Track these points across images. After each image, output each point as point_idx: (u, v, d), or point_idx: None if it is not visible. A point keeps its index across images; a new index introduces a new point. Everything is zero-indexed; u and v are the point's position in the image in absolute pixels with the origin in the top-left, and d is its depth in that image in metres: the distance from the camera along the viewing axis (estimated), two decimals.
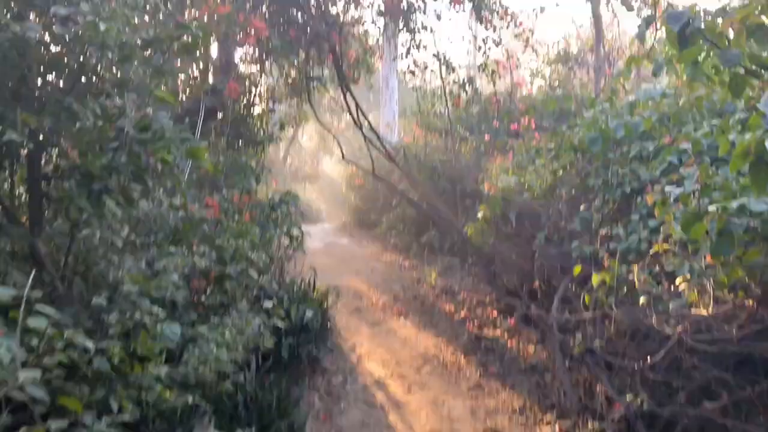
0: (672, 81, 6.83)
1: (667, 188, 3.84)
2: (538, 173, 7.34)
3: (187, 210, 4.23)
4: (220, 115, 9.13)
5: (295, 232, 7.24)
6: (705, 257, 3.84)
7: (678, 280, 3.99)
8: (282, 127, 10.91)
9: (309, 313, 6.56)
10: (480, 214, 7.92)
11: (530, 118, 9.41)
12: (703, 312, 3.80)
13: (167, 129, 3.87)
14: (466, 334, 8.22)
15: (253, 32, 6.67)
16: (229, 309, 4.83)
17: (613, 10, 11.63)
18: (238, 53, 9.66)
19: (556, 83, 13.44)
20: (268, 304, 6.18)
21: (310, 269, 7.87)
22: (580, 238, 6.25)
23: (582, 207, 6.39)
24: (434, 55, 9.86)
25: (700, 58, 3.60)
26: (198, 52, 6.36)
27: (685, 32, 3.51)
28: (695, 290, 3.92)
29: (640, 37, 3.93)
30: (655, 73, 4.34)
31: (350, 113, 10.56)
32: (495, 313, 8.93)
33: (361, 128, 10.68)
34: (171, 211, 4.24)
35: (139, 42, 3.81)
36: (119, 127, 3.74)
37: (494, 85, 10.08)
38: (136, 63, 3.82)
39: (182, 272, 4.38)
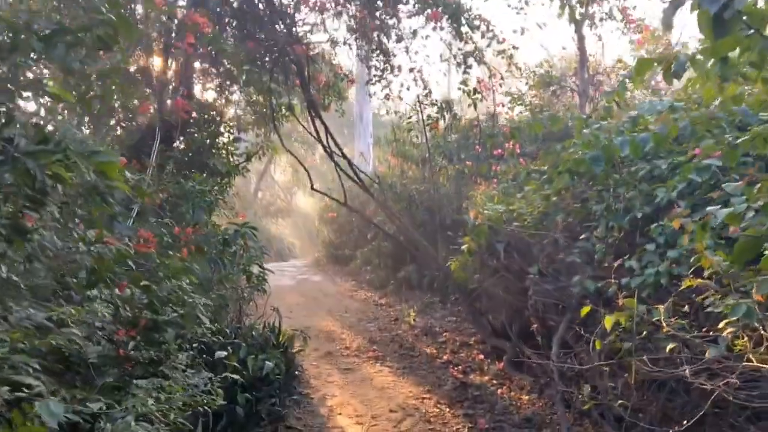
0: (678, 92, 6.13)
1: (709, 208, 3.05)
2: (528, 199, 6.57)
3: (102, 243, 3.36)
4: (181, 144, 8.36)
5: (255, 270, 6.33)
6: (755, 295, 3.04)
7: (722, 324, 3.18)
8: (249, 158, 10.05)
9: (269, 363, 5.69)
10: (464, 247, 7.12)
11: (515, 143, 8.69)
12: (760, 364, 2.99)
13: (72, 140, 3.02)
14: (450, 380, 7.34)
15: (192, 28, 5.77)
16: (163, 364, 3.91)
17: (597, 31, 11.06)
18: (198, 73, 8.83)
19: (538, 109, 12.83)
20: (221, 353, 5.35)
21: (274, 311, 6.99)
22: (580, 271, 5.46)
23: (581, 236, 5.61)
24: (410, 69, 9.12)
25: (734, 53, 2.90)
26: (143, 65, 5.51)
27: (723, 15, 2.75)
28: (744, 336, 3.12)
29: (667, 23, 3.20)
30: (677, 74, 3.61)
31: (320, 140, 9.79)
32: (481, 356, 8.09)
33: (331, 156, 9.92)
34: (84, 245, 3.37)
35: (36, 29, 2.97)
36: (5, 137, 2.88)
37: (475, 108, 9.38)
38: (33, 56, 2.97)
39: (100, 321, 3.49)
